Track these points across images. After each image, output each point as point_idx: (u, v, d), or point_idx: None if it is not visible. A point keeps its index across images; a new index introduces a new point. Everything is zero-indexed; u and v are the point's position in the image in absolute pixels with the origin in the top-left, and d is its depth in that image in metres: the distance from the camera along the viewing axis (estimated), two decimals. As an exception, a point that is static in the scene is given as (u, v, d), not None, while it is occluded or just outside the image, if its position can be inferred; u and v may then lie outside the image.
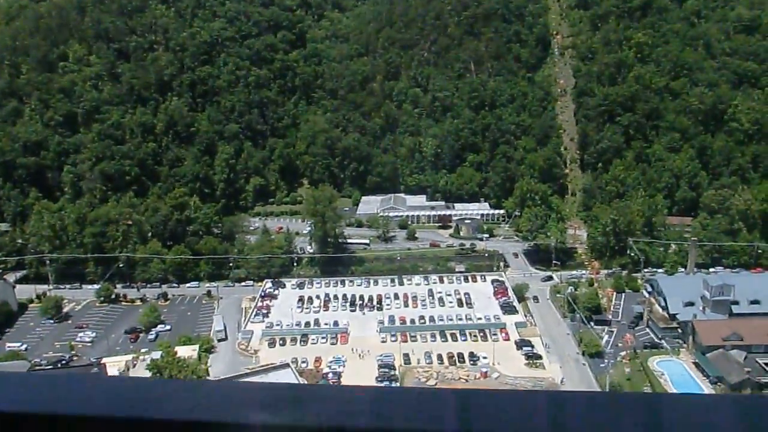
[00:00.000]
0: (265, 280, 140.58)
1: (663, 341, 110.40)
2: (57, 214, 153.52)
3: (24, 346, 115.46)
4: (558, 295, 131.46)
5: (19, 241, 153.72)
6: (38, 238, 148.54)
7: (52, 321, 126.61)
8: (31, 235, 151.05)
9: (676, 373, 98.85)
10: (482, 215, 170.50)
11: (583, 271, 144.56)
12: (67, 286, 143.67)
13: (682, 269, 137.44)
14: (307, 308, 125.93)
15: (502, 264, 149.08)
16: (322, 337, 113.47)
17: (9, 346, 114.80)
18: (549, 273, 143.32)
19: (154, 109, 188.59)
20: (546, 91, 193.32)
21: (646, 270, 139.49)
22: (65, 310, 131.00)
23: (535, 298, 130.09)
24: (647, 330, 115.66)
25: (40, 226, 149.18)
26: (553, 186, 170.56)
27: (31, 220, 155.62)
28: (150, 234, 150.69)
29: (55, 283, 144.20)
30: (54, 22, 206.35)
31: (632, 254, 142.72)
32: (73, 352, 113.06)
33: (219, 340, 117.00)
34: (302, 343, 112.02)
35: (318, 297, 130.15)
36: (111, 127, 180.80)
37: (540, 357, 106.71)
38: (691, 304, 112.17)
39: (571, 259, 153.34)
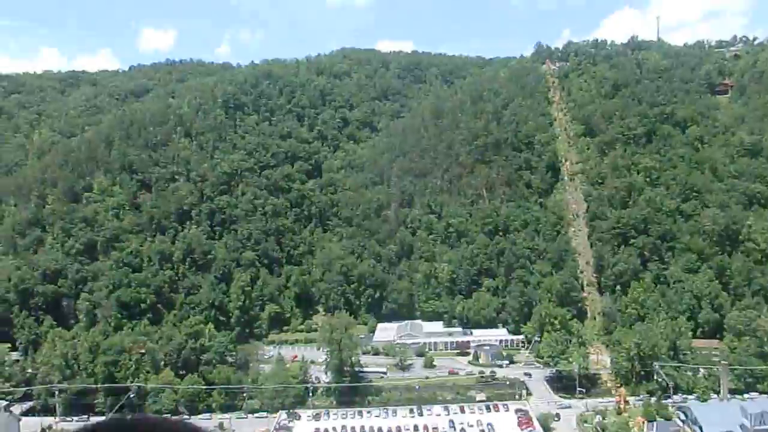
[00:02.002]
0: (280, 412, 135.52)
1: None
2: (70, 342, 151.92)
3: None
4: (585, 425, 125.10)
5: (29, 371, 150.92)
6: (48, 368, 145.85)
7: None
8: (42, 365, 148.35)
9: None
10: (501, 341, 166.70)
11: (610, 399, 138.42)
12: (75, 418, 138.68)
13: (714, 395, 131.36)
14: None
15: (524, 392, 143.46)
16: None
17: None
18: (568, 402, 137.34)
19: (173, 237, 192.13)
20: (558, 215, 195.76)
21: (675, 396, 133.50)
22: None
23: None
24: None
25: (51, 354, 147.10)
26: (572, 310, 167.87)
27: (43, 348, 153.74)
28: (163, 363, 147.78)
29: (62, 416, 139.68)
30: (82, 156, 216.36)
31: (659, 380, 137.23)
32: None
33: None
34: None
35: (335, 429, 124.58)
36: (129, 254, 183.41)
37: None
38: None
39: (595, 385, 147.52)
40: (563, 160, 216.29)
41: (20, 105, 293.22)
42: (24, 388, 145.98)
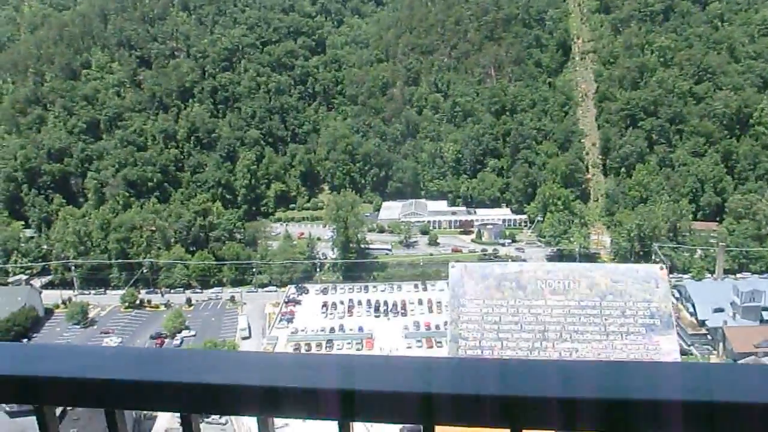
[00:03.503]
0: (289, 286, 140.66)
1: (692, 348, 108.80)
2: (81, 220, 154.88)
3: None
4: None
5: (44, 247, 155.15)
6: (63, 244, 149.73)
7: (78, 326, 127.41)
8: (56, 241, 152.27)
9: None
10: (504, 220, 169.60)
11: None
12: (92, 291, 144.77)
13: (710, 275, 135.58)
14: (331, 314, 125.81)
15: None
16: (348, 343, 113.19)
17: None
18: None
19: (176, 115, 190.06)
20: (567, 96, 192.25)
21: (672, 275, 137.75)
22: (91, 315, 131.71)
23: None
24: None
25: (65, 232, 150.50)
26: (576, 191, 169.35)
27: (56, 226, 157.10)
28: (173, 240, 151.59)
29: (80, 289, 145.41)
30: (77, 30, 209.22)
31: (657, 259, 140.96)
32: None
33: (243, 338, 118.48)
34: (328, 348, 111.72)
35: (342, 302, 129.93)
36: (133, 133, 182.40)
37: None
38: (721, 310, 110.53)
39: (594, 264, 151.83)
40: (575, 38, 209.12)
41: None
42: (41, 263, 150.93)
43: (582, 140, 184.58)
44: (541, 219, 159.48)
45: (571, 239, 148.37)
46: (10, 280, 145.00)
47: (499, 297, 7.01)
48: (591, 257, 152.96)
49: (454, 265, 7.04)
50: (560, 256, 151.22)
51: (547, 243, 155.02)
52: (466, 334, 6.92)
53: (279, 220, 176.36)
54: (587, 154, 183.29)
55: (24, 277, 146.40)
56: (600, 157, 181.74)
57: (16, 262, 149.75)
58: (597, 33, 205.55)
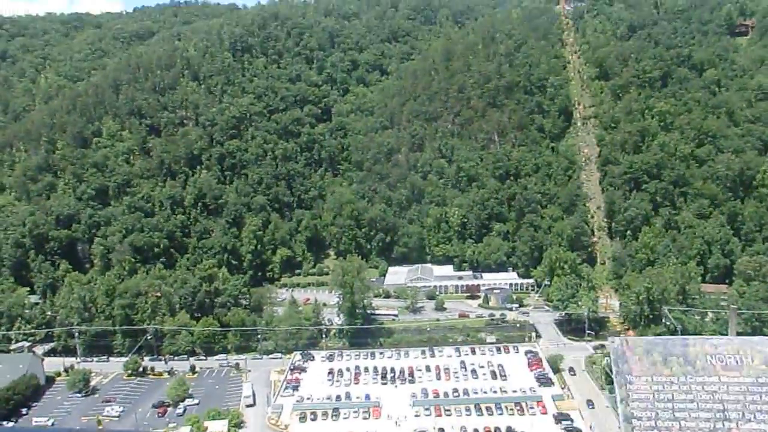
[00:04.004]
0: (294, 353, 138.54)
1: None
2: (87, 286, 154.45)
3: (51, 421, 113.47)
4: (594, 366, 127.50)
5: (49, 313, 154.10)
6: (67, 311, 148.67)
7: (79, 394, 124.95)
8: (61, 307, 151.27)
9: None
10: (511, 285, 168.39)
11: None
12: (95, 358, 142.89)
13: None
14: (337, 381, 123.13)
15: (533, 334, 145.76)
16: (354, 411, 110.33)
17: (36, 421, 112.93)
18: (599, 342, 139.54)
19: (184, 182, 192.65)
20: (570, 160, 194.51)
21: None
22: (93, 383, 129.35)
23: (571, 370, 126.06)
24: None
25: (70, 298, 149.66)
26: (582, 254, 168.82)
27: (61, 292, 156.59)
28: (178, 306, 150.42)
29: (83, 356, 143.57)
30: (90, 100, 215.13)
31: (668, 323, 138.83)
32: (100, 427, 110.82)
33: (247, 406, 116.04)
34: (334, 417, 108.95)
35: (348, 369, 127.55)
36: (141, 199, 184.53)
37: (580, 431, 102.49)
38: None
39: (604, 328, 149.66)
40: (576, 104, 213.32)
41: (24, 48, 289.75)
42: (45, 330, 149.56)
43: (587, 203, 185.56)
44: (548, 283, 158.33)
45: (580, 303, 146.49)
46: (12, 346, 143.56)
47: (667, 373, 6.72)
48: (600, 321, 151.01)
49: (614, 339, 6.86)
50: (569, 321, 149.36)
51: (554, 307, 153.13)
52: (639, 414, 6.55)
53: (284, 285, 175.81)
54: (592, 217, 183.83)
55: (27, 343, 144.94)
56: (605, 220, 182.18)
57: (19, 328, 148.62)
58: (597, 99, 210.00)
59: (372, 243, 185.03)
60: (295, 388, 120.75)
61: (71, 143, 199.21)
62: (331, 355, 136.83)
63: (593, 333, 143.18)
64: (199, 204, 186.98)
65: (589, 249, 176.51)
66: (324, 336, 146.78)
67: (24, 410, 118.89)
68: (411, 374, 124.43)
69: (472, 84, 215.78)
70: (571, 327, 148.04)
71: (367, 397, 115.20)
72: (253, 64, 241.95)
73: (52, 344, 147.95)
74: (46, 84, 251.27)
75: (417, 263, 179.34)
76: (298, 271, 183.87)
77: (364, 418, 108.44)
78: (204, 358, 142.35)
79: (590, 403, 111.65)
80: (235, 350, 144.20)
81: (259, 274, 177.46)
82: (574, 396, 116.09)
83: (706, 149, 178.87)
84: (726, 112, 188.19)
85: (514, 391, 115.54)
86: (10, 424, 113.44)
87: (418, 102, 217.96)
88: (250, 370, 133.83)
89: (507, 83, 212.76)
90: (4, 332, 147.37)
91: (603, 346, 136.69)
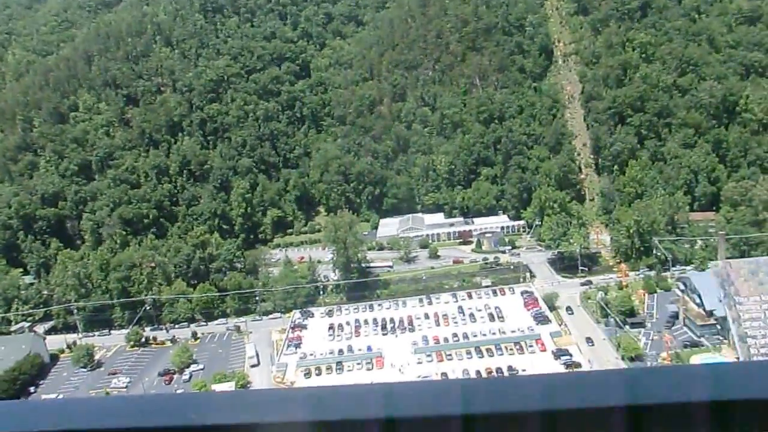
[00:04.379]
0: (293, 311, 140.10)
1: (703, 339, 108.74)
2: (80, 262, 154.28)
3: (60, 397, 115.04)
4: (589, 301, 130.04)
5: (45, 292, 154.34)
6: (63, 288, 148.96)
7: (85, 369, 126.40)
8: (56, 286, 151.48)
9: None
10: (502, 228, 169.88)
11: (611, 275, 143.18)
12: (96, 333, 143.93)
13: (712, 264, 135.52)
14: (338, 335, 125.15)
15: (528, 275, 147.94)
16: (358, 363, 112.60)
17: (45, 398, 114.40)
18: (587, 278, 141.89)
19: (167, 150, 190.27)
20: (553, 99, 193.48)
21: (674, 268, 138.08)
22: (97, 357, 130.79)
23: (569, 309, 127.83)
24: (685, 329, 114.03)
25: (64, 275, 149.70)
26: (571, 192, 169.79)
27: (55, 270, 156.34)
28: (174, 274, 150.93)
29: (84, 331, 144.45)
30: (62, 74, 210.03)
31: (658, 254, 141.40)
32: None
33: (252, 366, 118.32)
34: (338, 370, 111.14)
35: (348, 323, 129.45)
36: (126, 171, 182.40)
37: (579, 365, 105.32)
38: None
39: (596, 264, 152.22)
40: (556, 42, 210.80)
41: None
42: (43, 309, 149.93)
43: (572, 141, 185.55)
44: (539, 223, 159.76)
45: (571, 241, 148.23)
46: (12, 328, 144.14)
47: None
48: (592, 257, 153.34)
49: (717, 263, 6.83)
50: (562, 259, 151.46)
51: (547, 246, 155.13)
52: (753, 332, 6.64)
53: (278, 246, 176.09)
54: (579, 154, 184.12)
55: (26, 324, 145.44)
56: (592, 156, 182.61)
57: (17, 309, 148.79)
58: (577, 35, 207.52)
59: (361, 197, 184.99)
60: (298, 346, 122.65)
61: (48, 120, 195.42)
62: (330, 310, 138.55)
63: (586, 269, 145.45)
64: (185, 171, 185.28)
65: (578, 186, 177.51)
66: (321, 293, 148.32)
67: (32, 389, 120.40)
68: (410, 323, 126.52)
69: (450, 29, 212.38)
70: (564, 265, 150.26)
71: (369, 348, 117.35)
72: (226, 24, 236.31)
73: (51, 323, 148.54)
74: (14, 60, 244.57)
75: (408, 213, 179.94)
76: (289, 230, 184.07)
77: (368, 369, 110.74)
78: (204, 323, 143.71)
79: (589, 341, 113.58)
80: (235, 313, 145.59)
81: (251, 236, 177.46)
82: (571, 332, 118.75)
83: (689, 78, 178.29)
84: (707, 38, 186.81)
85: (513, 332, 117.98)
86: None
87: (396, 51, 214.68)
88: (251, 332, 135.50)
89: (485, 25, 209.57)
90: (3, 315, 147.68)
91: (590, 282, 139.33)
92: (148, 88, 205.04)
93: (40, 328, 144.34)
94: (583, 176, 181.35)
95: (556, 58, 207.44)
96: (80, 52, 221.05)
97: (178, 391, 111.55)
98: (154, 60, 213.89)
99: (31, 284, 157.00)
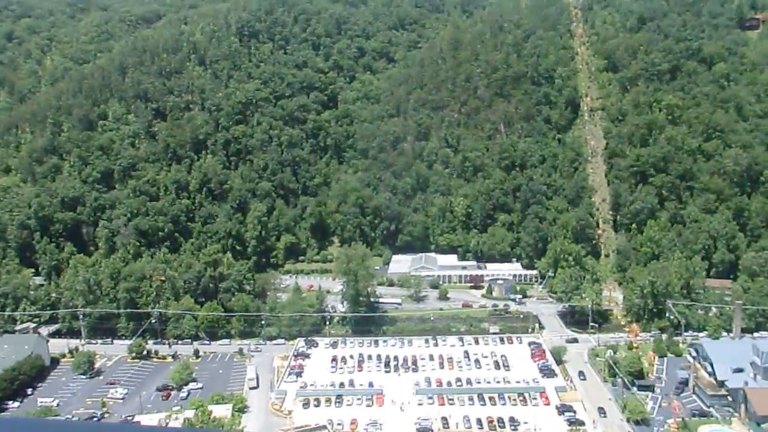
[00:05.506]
0: (298, 339, 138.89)
1: (712, 409, 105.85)
2: (92, 268, 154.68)
3: (56, 402, 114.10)
4: (597, 358, 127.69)
5: (54, 294, 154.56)
6: (72, 292, 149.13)
7: (84, 376, 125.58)
8: (66, 289, 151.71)
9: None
10: (515, 275, 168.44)
11: (621, 334, 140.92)
12: (99, 341, 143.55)
13: (726, 333, 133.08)
14: (341, 368, 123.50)
15: (537, 326, 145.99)
16: (358, 399, 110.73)
17: (41, 402, 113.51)
18: (574, 336, 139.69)
19: (189, 166, 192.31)
20: (577, 152, 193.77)
21: (686, 333, 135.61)
22: (97, 365, 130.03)
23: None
24: (694, 397, 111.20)
25: (74, 280, 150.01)
26: (587, 247, 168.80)
27: (66, 274, 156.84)
28: (183, 290, 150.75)
29: (88, 338, 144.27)
30: (96, 83, 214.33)
31: (671, 317, 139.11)
32: (104, 409, 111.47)
33: (251, 388, 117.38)
34: (337, 404, 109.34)
35: (352, 357, 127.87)
36: (146, 183, 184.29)
37: (583, 423, 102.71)
38: (741, 370, 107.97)
39: (607, 321, 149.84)
40: (583, 96, 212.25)
41: (30, 30, 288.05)
42: (49, 312, 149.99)
43: (592, 196, 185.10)
44: (552, 274, 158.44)
45: (583, 295, 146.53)
46: (17, 327, 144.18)
47: None
48: (603, 314, 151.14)
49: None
50: (572, 312, 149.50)
51: (558, 299, 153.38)
52: None
53: (288, 272, 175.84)
54: (597, 210, 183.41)
55: (32, 324, 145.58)
56: (611, 213, 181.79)
57: (24, 309, 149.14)
58: (605, 91, 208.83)
59: (376, 231, 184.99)
60: (299, 375, 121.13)
61: (77, 126, 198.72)
62: (334, 342, 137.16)
63: (596, 325, 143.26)
64: (204, 189, 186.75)
65: (594, 241, 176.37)
66: (327, 323, 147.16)
67: (29, 390, 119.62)
68: (414, 363, 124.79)
69: (479, 73, 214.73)
70: (575, 319, 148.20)
71: (371, 384, 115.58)
72: (260, 49, 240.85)
73: (56, 326, 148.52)
74: (52, 66, 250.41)
75: (421, 252, 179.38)
76: (302, 257, 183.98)
77: (368, 406, 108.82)
78: (208, 342, 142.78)
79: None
80: (239, 335, 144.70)
81: (263, 260, 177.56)
82: (576, 388, 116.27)
83: (714, 144, 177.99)
84: (735, 106, 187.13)
85: (518, 382, 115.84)
86: (16, 404, 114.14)
87: (424, 91, 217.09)
88: (253, 355, 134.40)
89: (514, 73, 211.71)
90: (10, 313, 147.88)
91: (577, 340, 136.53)
92: (177, 104, 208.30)
93: (45, 330, 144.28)
94: (600, 232, 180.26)
95: (582, 111, 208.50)
96: (116, 63, 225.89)
97: (175, 408, 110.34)
98: (186, 77, 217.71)
99: (41, 285, 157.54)
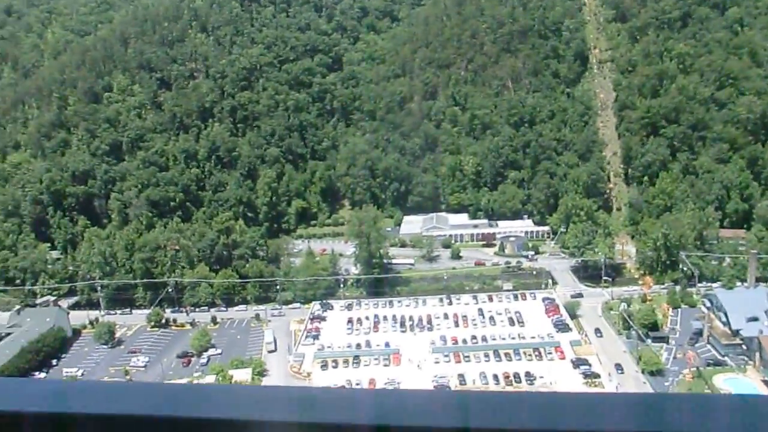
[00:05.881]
0: (313, 303, 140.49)
1: (726, 358, 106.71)
2: (106, 240, 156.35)
3: (80, 372, 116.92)
4: (611, 312, 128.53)
5: (70, 268, 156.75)
6: (89, 265, 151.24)
7: (105, 346, 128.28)
8: (82, 262, 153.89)
9: (746, 392, 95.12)
10: (526, 232, 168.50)
11: (635, 287, 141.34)
12: (118, 311, 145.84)
13: (740, 283, 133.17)
14: (357, 330, 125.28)
15: (550, 281, 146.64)
16: (375, 359, 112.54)
17: (66, 372, 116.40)
18: (579, 291, 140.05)
19: (196, 135, 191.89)
20: (586, 105, 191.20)
21: (700, 284, 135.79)
22: (117, 335, 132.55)
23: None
24: (708, 347, 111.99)
25: (90, 252, 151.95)
26: (598, 201, 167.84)
27: (81, 247, 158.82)
28: (197, 259, 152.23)
29: (107, 309, 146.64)
30: (99, 55, 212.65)
31: (685, 269, 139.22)
32: (127, 377, 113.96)
33: (269, 351, 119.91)
34: (355, 365, 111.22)
35: (367, 318, 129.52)
36: (155, 154, 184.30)
37: (598, 376, 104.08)
38: (755, 319, 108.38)
39: (620, 275, 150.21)
40: (592, 48, 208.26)
41: (29, 3, 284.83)
42: (68, 285, 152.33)
43: (603, 150, 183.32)
44: (564, 230, 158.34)
45: (596, 250, 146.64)
46: (38, 301, 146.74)
47: None
48: (616, 268, 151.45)
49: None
50: (585, 267, 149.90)
51: (571, 254, 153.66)
52: None
53: (300, 236, 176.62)
54: (608, 163, 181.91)
55: (51, 298, 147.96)
56: (622, 166, 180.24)
57: (43, 283, 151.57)
58: (614, 42, 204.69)
59: (386, 193, 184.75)
60: (316, 337, 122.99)
61: (82, 99, 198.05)
62: (349, 304, 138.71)
63: (610, 279, 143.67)
64: (213, 157, 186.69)
65: (606, 196, 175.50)
66: (342, 286, 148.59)
67: (54, 361, 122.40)
68: (429, 322, 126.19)
69: (485, 29, 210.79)
70: (588, 274, 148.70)
71: (387, 344, 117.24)
72: (262, 13, 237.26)
73: (75, 298, 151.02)
74: (53, 39, 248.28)
75: (432, 212, 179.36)
76: (313, 222, 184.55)
77: (385, 365, 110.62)
78: (224, 309, 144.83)
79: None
80: (255, 301, 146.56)
81: (275, 225, 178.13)
82: (591, 341, 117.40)
83: (727, 92, 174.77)
84: (748, 52, 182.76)
85: (532, 337, 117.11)
86: (42, 374, 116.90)
87: (430, 49, 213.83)
88: (270, 320, 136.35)
89: (521, 27, 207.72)
90: (29, 287, 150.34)
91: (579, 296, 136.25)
92: (182, 73, 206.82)
93: (65, 303, 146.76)
94: (611, 186, 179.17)
95: (591, 64, 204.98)
96: (117, 33, 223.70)
97: (196, 374, 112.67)
98: (188, 45, 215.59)
99: (58, 259, 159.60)
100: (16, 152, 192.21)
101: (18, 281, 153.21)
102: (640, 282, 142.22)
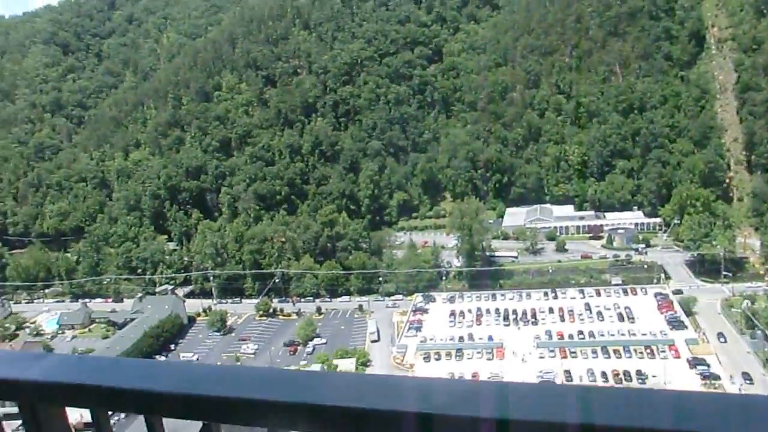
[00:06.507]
0: (416, 294, 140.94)
1: None
2: (218, 233, 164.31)
3: (196, 357, 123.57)
4: (732, 310, 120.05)
5: (186, 258, 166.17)
6: (202, 256, 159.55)
7: (218, 333, 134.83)
8: (196, 253, 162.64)
9: None
10: (636, 224, 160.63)
11: (759, 283, 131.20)
12: (229, 300, 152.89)
13: None
14: (459, 322, 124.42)
15: (662, 276, 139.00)
16: (478, 352, 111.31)
17: (183, 356, 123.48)
18: (679, 287, 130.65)
19: (300, 130, 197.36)
20: (702, 89, 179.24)
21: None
22: (229, 323, 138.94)
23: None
24: None
25: (203, 244, 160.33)
26: (716, 191, 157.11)
27: (195, 239, 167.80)
28: (302, 250, 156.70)
29: (218, 298, 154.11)
30: (209, 56, 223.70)
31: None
32: (239, 363, 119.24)
33: (372, 341, 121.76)
34: (457, 357, 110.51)
35: (470, 311, 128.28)
36: (262, 149, 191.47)
37: (718, 377, 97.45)
38: None
39: (742, 270, 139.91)
40: (710, 26, 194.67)
41: (148, 11, 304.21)
42: (183, 274, 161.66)
43: (721, 136, 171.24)
44: (678, 222, 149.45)
45: (714, 242, 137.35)
46: (157, 289, 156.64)
47: None
48: (738, 262, 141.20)
49: None
50: (702, 262, 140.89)
51: (685, 247, 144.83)
52: None
53: (402, 229, 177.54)
54: (728, 150, 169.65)
55: (169, 287, 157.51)
56: (744, 153, 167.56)
57: (162, 273, 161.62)
58: (736, 18, 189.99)
59: (488, 184, 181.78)
60: (418, 329, 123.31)
61: (195, 98, 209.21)
62: (452, 296, 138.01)
63: (730, 274, 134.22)
64: (317, 151, 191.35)
65: (725, 185, 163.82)
66: (444, 278, 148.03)
67: (172, 346, 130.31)
68: (534, 316, 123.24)
69: (591, 12, 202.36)
70: (704, 268, 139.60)
71: (490, 338, 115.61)
72: (362, 8, 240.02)
73: (190, 287, 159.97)
74: (168, 43, 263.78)
75: (535, 204, 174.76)
76: (415, 214, 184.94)
77: (488, 359, 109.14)
78: (329, 299, 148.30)
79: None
80: (358, 292, 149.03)
81: (377, 218, 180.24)
82: (709, 340, 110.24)
83: None
84: None
85: (644, 334, 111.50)
86: (162, 358, 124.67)
87: (532, 36, 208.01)
88: (372, 311, 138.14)
89: (629, 9, 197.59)
90: (150, 276, 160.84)
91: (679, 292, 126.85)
92: (286, 70, 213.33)
93: (181, 292, 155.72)
94: (731, 174, 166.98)
95: (708, 44, 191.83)
96: (225, 34, 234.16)
97: (302, 363, 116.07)
98: (292, 43, 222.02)
99: (174, 251, 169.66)
100: (137, 150, 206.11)
101: (140, 271, 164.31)
102: (766, 278, 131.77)
